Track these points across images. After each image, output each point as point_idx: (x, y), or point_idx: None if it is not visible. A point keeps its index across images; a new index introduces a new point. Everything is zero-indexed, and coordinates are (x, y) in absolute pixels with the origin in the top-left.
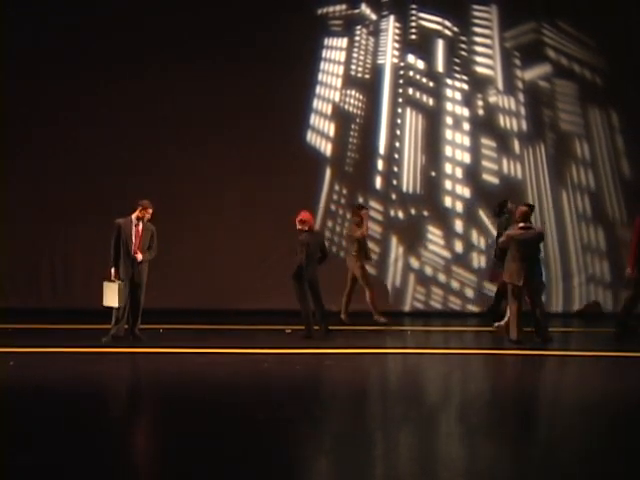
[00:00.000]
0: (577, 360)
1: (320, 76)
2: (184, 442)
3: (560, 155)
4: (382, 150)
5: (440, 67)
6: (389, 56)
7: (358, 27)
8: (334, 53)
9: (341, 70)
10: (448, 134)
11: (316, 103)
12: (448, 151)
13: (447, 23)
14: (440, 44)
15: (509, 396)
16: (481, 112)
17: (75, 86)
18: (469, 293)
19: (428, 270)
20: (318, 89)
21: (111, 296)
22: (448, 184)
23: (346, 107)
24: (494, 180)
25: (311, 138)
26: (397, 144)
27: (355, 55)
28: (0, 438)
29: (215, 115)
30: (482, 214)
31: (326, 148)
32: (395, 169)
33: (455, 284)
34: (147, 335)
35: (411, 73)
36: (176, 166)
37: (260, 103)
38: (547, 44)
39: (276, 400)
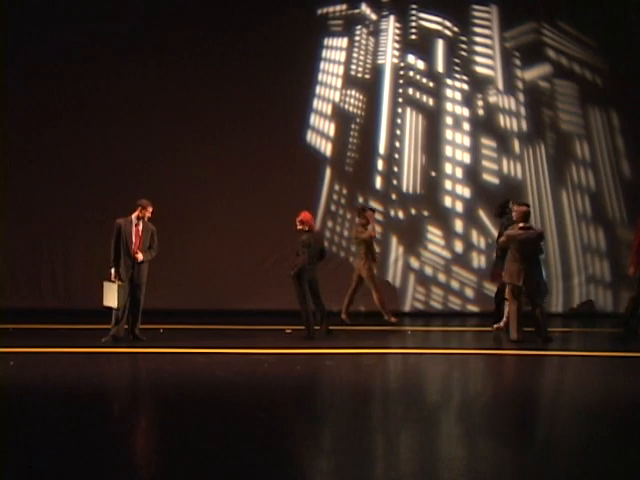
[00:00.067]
0: (577, 360)
1: (320, 76)
2: (184, 442)
3: (560, 155)
4: (382, 150)
5: (440, 67)
6: (389, 56)
7: (358, 27)
8: (334, 53)
9: (341, 70)
10: (448, 134)
11: (316, 103)
12: (448, 151)
13: (447, 23)
14: (440, 44)
15: (509, 396)
16: (481, 112)
17: (75, 86)
18: (469, 293)
19: (428, 270)
20: (318, 89)
21: (111, 296)
22: (448, 184)
23: (346, 107)
24: (494, 180)
25: (311, 138)
26: (397, 144)
27: (355, 55)
28: (0, 438)
29: (215, 115)
30: (482, 214)
31: (326, 148)
32: (395, 169)
33: (455, 284)
34: (147, 335)
35: (411, 73)
36: (176, 166)
37: (260, 103)
38: (547, 44)
39: (276, 400)
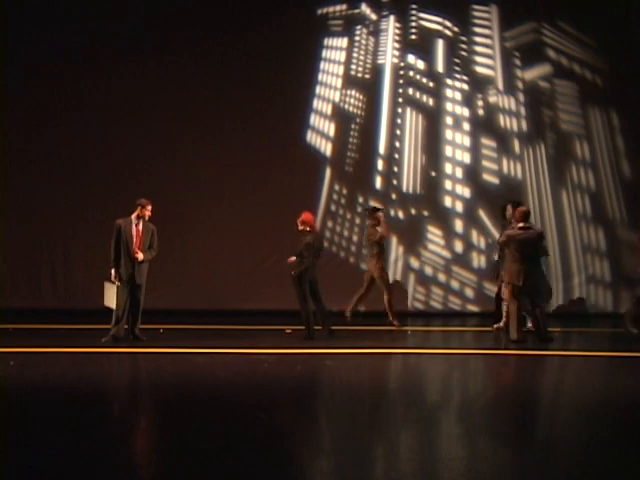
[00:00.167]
0: (577, 360)
1: (320, 76)
2: (184, 442)
3: (560, 155)
4: (382, 150)
5: (440, 67)
6: (389, 56)
7: (358, 27)
8: (334, 53)
9: (341, 70)
10: (448, 134)
11: (316, 103)
12: (448, 151)
13: (447, 23)
14: (440, 44)
15: (509, 396)
16: (481, 112)
17: (75, 86)
18: (469, 293)
19: (428, 270)
20: (318, 89)
21: (110, 297)
22: (448, 184)
23: (346, 107)
24: (494, 180)
25: (311, 138)
26: (397, 144)
27: (355, 55)
28: (0, 438)
29: (215, 115)
30: (482, 214)
31: (326, 148)
32: (395, 169)
33: (455, 284)
34: (147, 335)
35: (411, 73)
36: (176, 166)
37: (260, 103)
38: (547, 44)
39: (276, 400)
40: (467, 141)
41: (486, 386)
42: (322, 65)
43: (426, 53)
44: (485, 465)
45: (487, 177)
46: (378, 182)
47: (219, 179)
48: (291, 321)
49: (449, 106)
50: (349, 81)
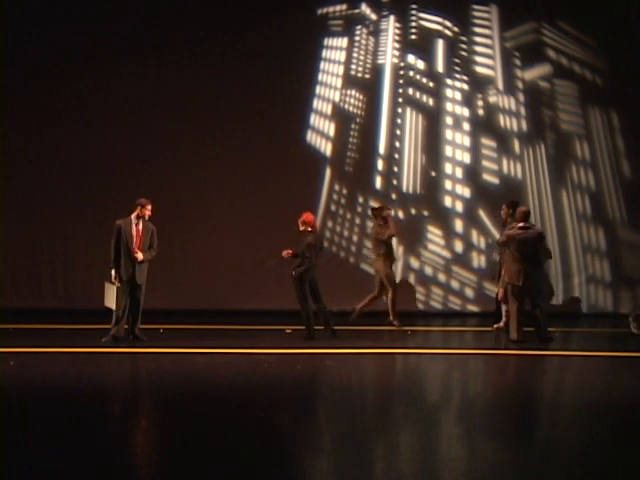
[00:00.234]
0: (577, 360)
1: (320, 76)
2: (184, 442)
3: (560, 155)
4: (382, 150)
5: (440, 67)
6: (389, 56)
7: (358, 27)
8: (334, 53)
9: (341, 70)
10: (448, 134)
11: (316, 103)
12: (448, 151)
13: (447, 23)
14: (440, 44)
15: (509, 396)
16: (481, 112)
17: (75, 86)
18: (469, 293)
19: (428, 270)
20: (318, 89)
21: (111, 298)
22: (448, 184)
23: (346, 107)
24: (494, 180)
25: (311, 138)
26: (397, 144)
27: (355, 55)
28: (0, 438)
29: (215, 115)
30: (482, 214)
31: (326, 148)
32: (395, 169)
33: (455, 284)
34: (147, 335)
35: (411, 73)
36: (176, 166)
37: (260, 103)
38: (547, 44)
39: (276, 400)
40: (467, 141)
41: (486, 386)
42: (322, 65)
43: (426, 53)
44: (485, 465)
45: (487, 177)
46: (378, 182)
47: (219, 179)
48: (291, 321)
49: (449, 106)
50: (349, 81)
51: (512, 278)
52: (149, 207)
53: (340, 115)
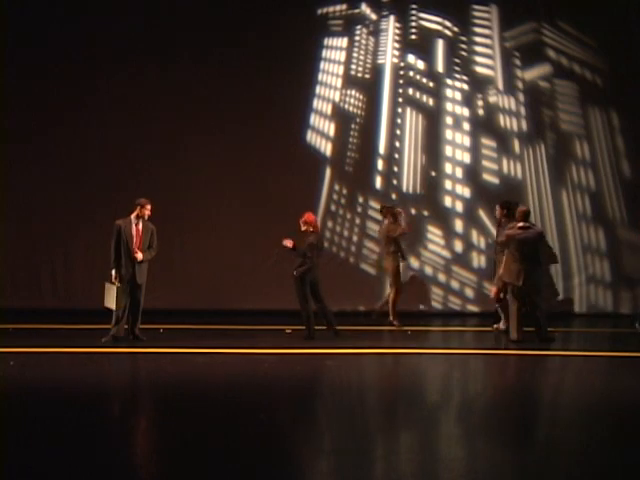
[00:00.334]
0: (577, 360)
1: (320, 76)
2: (184, 442)
3: (560, 155)
4: (382, 150)
5: (440, 67)
6: (389, 56)
7: (358, 27)
8: (334, 53)
9: (341, 70)
10: (448, 134)
11: (316, 103)
12: (448, 151)
13: (447, 23)
14: (440, 44)
15: (509, 396)
16: (481, 112)
17: (76, 87)
18: (469, 293)
19: (428, 270)
20: (318, 89)
21: (111, 298)
22: (448, 184)
23: (346, 107)
24: (494, 180)
25: (311, 138)
26: (397, 144)
27: (355, 55)
28: (0, 438)
29: (215, 115)
30: (482, 214)
31: (326, 148)
32: (395, 169)
33: (455, 284)
34: (147, 335)
35: (411, 73)
36: (176, 166)
37: (260, 103)
38: (547, 44)
39: (276, 400)
40: (467, 141)
41: (486, 386)
42: (322, 65)
43: (426, 53)
44: (485, 465)
45: (487, 177)
46: (378, 182)
47: (219, 179)
48: (291, 321)
49: (449, 106)
50: (349, 81)
51: (512, 278)
52: (149, 207)
53: (340, 115)
